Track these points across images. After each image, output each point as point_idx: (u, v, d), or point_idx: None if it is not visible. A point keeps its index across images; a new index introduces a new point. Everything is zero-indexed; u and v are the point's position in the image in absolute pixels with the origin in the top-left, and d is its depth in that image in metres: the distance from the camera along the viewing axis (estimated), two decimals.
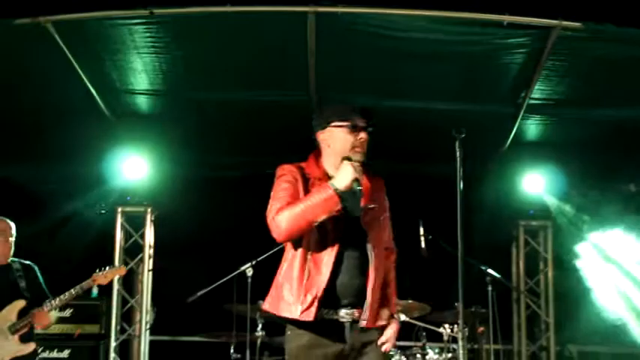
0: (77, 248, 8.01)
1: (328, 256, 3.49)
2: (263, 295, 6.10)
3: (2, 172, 7.99)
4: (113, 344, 8.05)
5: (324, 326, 3.48)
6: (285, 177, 3.61)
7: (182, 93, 7.27)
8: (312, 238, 3.51)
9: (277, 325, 6.51)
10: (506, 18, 5.88)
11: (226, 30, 6.25)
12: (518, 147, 7.88)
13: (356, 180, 3.45)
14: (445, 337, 6.02)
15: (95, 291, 7.72)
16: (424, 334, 6.24)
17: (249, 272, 6.15)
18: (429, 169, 7.64)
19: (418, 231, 6.22)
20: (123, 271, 6.29)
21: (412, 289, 6.58)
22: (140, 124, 7.69)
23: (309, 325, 3.47)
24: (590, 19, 5.83)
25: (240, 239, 7.61)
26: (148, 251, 8.40)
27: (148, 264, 8.38)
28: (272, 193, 3.61)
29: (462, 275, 3.36)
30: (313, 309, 3.43)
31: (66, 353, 7.41)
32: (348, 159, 3.53)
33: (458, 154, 3.54)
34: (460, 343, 3.46)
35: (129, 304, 8.30)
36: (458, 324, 6.14)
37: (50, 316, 5.68)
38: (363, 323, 3.52)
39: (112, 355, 8.03)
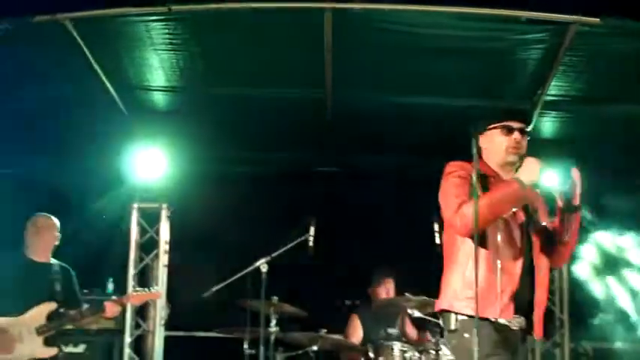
0: (94, 243, 8.05)
1: (516, 261, 3.63)
2: (277, 291, 6.24)
3: (21, 166, 8.02)
4: (128, 340, 8.08)
5: (507, 328, 3.60)
6: (457, 172, 3.75)
7: (199, 89, 7.28)
8: (498, 236, 3.62)
9: (291, 320, 6.62)
10: (525, 14, 5.87)
11: (243, 27, 6.24)
12: (534, 144, 7.81)
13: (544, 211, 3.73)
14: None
15: (110, 287, 7.79)
16: (438, 330, 6.24)
17: (264, 268, 6.15)
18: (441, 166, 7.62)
19: (433, 227, 6.23)
20: (158, 295, 6.48)
21: (426, 286, 6.61)
22: (156, 121, 7.71)
23: (498, 327, 3.57)
24: (608, 15, 5.81)
25: (255, 235, 7.63)
26: (163, 247, 8.43)
27: (163, 260, 8.41)
28: (445, 189, 3.75)
29: (476, 271, 3.40)
30: (511, 309, 3.57)
31: (81, 348, 7.45)
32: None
33: (474, 150, 3.57)
34: (474, 339, 3.43)
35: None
36: None
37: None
38: (535, 335, 3.69)
39: (127, 350, 8.06)
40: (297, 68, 6.78)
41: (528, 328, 3.69)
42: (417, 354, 6.07)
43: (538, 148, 7.70)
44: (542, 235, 3.78)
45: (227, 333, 7.02)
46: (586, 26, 5.86)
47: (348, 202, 8.32)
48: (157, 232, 8.44)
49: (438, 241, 6.23)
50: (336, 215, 8.04)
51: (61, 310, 5.78)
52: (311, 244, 6.38)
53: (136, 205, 8.44)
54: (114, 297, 6.04)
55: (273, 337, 6.32)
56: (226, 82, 7.11)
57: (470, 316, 3.57)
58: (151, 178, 8.15)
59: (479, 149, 3.84)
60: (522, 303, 3.63)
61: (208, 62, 6.78)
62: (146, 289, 6.22)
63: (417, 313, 6.32)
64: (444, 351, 5.97)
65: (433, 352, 6.02)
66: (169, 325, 8.37)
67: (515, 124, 3.80)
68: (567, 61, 6.39)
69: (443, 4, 5.85)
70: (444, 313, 3.76)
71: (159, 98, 7.45)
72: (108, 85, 7.00)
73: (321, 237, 6.45)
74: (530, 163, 3.65)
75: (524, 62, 6.52)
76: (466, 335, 3.58)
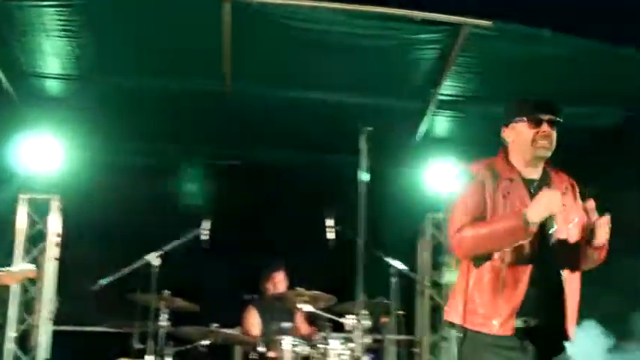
0: None
1: (524, 269, 3.42)
2: (168, 285, 6.16)
3: None
4: (12, 335, 7.83)
5: (511, 337, 3.44)
6: (475, 177, 3.53)
7: (94, 78, 7.10)
8: (504, 257, 3.44)
9: (182, 315, 6.55)
10: (419, 14, 5.97)
11: (141, 16, 6.16)
12: (426, 142, 8.01)
13: (550, 217, 3.34)
14: (348, 328, 6.05)
15: None
16: (328, 324, 6.28)
17: (156, 262, 6.07)
18: (338, 161, 7.70)
19: (324, 222, 6.27)
20: (33, 273, 5.88)
21: (318, 280, 6.65)
22: (49, 109, 7.49)
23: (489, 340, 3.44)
24: (501, 19, 5.98)
25: (148, 228, 7.51)
26: (53, 239, 8.19)
27: (53, 252, 8.17)
28: (460, 197, 3.53)
29: (362, 265, 3.38)
30: (510, 323, 3.40)
31: None
32: (547, 185, 3.50)
33: (362, 147, 3.49)
34: (357, 333, 3.46)
35: (30, 293, 8.08)
36: (361, 314, 6.22)
37: None
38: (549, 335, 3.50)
39: (10, 345, 7.81)
40: (196, 59, 6.70)
41: (557, 336, 3.55)
42: (307, 348, 6.09)
43: (430, 146, 8.06)
44: (566, 244, 3.55)
45: (116, 327, 6.88)
46: (478, 28, 6.02)
47: (245, 196, 8.29)
48: (47, 224, 8.19)
49: (330, 236, 6.29)
50: (232, 209, 8.01)
51: None
52: (205, 237, 6.32)
53: (24, 196, 8.16)
54: None
55: (163, 332, 6.22)
56: (123, 71, 6.98)
57: (469, 330, 3.51)
58: (42, 168, 7.91)
59: (503, 143, 3.68)
60: (542, 311, 3.48)
61: (104, 50, 6.64)
62: (19, 266, 5.86)
63: (307, 308, 6.33)
64: (333, 345, 6.03)
65: (322, 346, 6.05)
66: (58, 319, 8.14)
67: (544, 116, 3.52)
68: (461, 61, 6.55)
69: (338, 1, 5.89)
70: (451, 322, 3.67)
71: (52, 85, 7.25)
72: None
73: (217, 230, 6.40)
74: (543, 197, 3.34)
75: (419, 62, 6.65)
76: (466, 348, 3.52)
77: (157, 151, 8.03)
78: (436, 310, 8.82)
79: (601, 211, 3.48)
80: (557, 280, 3.51)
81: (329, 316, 6.26)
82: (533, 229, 3.30)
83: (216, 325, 6.37)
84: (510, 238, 3.33)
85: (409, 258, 8.72)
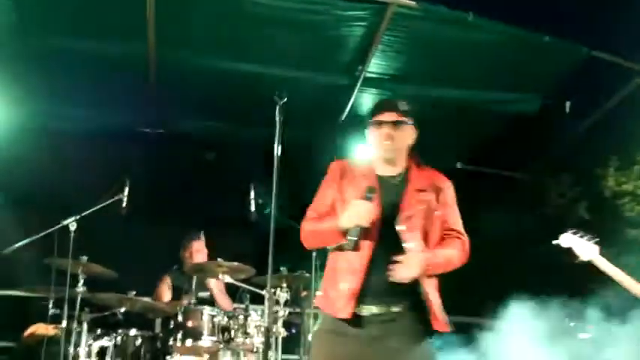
0: None
1: (365, 253, 3.54)
2: (85, 251, 6.10)
3: None
4: None
5: (353, 319, 3.55)
6: (330, 175, 3.80)
7: (14, 40, 6.87)
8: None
9: (99, 281, 6.50)
10: None
11: None
12: (355, 118, 8.07)
13: (358, 225, 3.48)
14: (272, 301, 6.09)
15: None
16: (248, 296, 6.32)
17: (73, 227, 6.00)
18: (262, 135, 7.69)
19: (248, 195, 6.28)
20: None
21: (238, 252, 6.66)
22: None
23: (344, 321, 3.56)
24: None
25: (68, 193, 7.40)
26: None
27: None
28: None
29: (273, 238, 3.46)
30: (349, 307, 3.51)
31: None
32: (370, 191, 3.54)
33: (277, 119, 3.55)
34: (266, 303, 3.53)
35: None
36: (282, 287, 6.29)
37: None
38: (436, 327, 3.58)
39: None
40: (118, 22, 6.56)
41: (420, 322, 3.60)
42: (226, 319, 6.11)
43: (358, 123, 8.12)
44: (416, 223, 3.66)
45: (32, 292, 6.80)
46: (403, 8, 6.09)
47: (167, 165, 8.24)
48: None
49: (253, 208, 6.31)
50: (154, 177, 7.95)
51: None
52: (124, 204, 6.28)
53: None
54: None
55: (79, 297, 6.17)
56: (43, 33, 6.77)
57: (321, 313, 3.75)
58: None
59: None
60: (392, 293, 3.56)
61: (23, 11, 6.46)
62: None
63: (227, 279, 6.35)
64: (254, 317, 6.07)
65: (242, 317, 6.09)
66: None
67: (384, 117, 3.70)
68: (387, 40, 6.62)
69: None
70: None
71: None
72: None
73: (137, 198, 6.36)
74: (354, 206, 3.53)
75: (347, 38, 6.68)
76: (315, 331, 3.80)
77: (80, 117, 7.87)
78: None
79: None
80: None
81: (248, 287, 6.29)
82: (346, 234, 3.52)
83: (133, 292, 6.34)
84: (332, 237, 3.58)
85: None
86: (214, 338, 5.99)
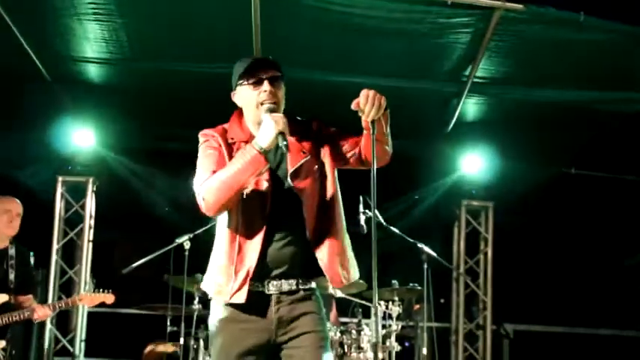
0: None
1: (257, 228, 3.22)
2: (200, 269, 6.17)
3: None
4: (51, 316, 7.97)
5: (253, 300, 3.23)
6: (208, 143, 3.34)
7: (127, 62, 7.13)
8: (239, 209, 3.24)
9: None
10: None
11: None
12: (461, 126, 7.96)
13: (281, 134, 3.13)
14: (380, 314, 6.03)
15: (32, 260, 7.62)
16: (360, 310, 6.27)
17: (187, 245, 6.10)
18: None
19: (358, 207, 6.24)
20: (111, 299, 6.17)
21: None
22: (84, 93, 7.59)
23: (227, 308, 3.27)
24: (532, 2, 5.90)
25: (179, 212, 7.56)
26: (89, 222, 8.29)
27: (89, 235, 8.28)
28: (197, 163, 3.33)
29: (375, 250, 3.19)
30: (245, 289, 3.21)
31: None
32: (283, 139, 3.16)
33: (371, 132, 3.26)
34: (373, 318, 3.39)
35: (67, 275, 8.20)
36: (393, 301, 6.22)
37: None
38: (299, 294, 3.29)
39: (49, 326, 7.95)
40: (227, 44, 6.68)
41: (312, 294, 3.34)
42: (339, 334, 6.05)
43: (465, 130, 8.01)
44: (310, 176, 3.33)
45: (150, 310, 6.96)
46: (510, 12, 5.95)
47: None
48: (83, 207, 8.30)
49: (362, 222, 6.24)
50: None
51: (12, 301, 5.68)
52: None
53: (61, 179, 8.27)
54: (62, 301, 6.00)
55: (195, 315, 6.28)
56: (156, 56, 7.01)
57: (213, 299, 3.35)
58: (76, 150, 8.06)
59: (238, 109, 3.42)
60: (286, 263, 3.27)
61: (137, 34, 6.66)
62: (101, 290, 6.11)
63: (339, 293, 6.30)
64: (367, 331, 6.01)
65: (355, 332, 6.03)
66: None
67: (263, 74, 3.28)
68: (493, 45, 6.48)
69: None
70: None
71: (86, 69, 7.30)
72: (31, 53, 6.83)
73: None
74: (266, 122, 3.17)
75: (452, 46, 6.58)
76: (210, 320, 3.36)
77: (189, 136, 8.00)
78: (471, 298, 8.75)
79: None
80: (301, 233, 3.28)
81: (361, 302, 6.25)
82: (266, 157, 3.13)
83: None
84: (252, 168, 3.12)
85: (446, 245, 8.73)
86: None
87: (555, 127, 7.74)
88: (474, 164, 8.42)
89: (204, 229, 6.15)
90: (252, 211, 3.26)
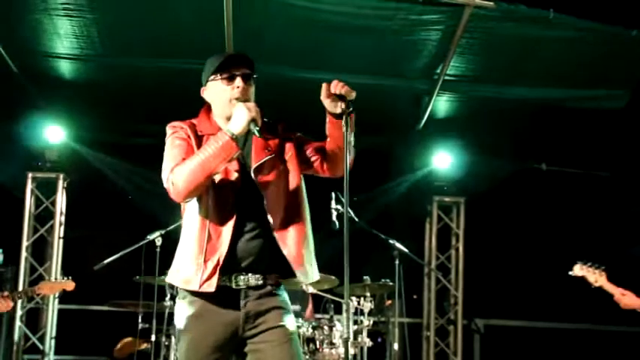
0: None
1: (227, 219, 3.24)
2: (171, 265, 6.16)
3: None
4: (19, 312, 7.90)
5: (220, 294, 3.24)
6: (177, 134, 3.34)
7: (98, 58, 7.09)
8: (209, 200, 3.27)
9: None
10: None
11: None
12: (432, 122, 8.00)
13: (253, 121, 3.17)
14: (352, 310, 6.04)
15: (0, 257, 7.56)
16: (332, 306, 6.28)
17: (159, 241, 6.08)
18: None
19: (329, 204, 6.25)
20: (71, 286, 6.05)
21: (321, 262, 6.63)
22: (54, 88, 7.54)
23: (206, 294, 3.24)
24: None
25: (150, 208, 7.52)
26: (59, 218, 8.22)
27: (59, 231, 8.21)
28: (165, 154, 3.33)
29: (347, 246, 3.24)
30: (215, 279, 3.21)
31: None
32: (255, 124, 3.18)
33: (344, 128, 3.28)
34: (344, 314, 3.39)
35: (37, 272, 8.12)
36: (365, 297, 6.24)
37: None
38: (266, 289, 3.30)
39: (18, 323, 7.88)
40: (198, 39, 6.66)
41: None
42: (310, 329, 6.08)
43: (436, 127, 8.05)
44: (273, 173, 3.37)
45: (120, 307, 6.93)
46: (481, 9, 5.99)
47: None
48: (54, 203, 8.22)
49: (334, 217, 6.26)
50: None
51: None
52: None
53: (31, 175, 8.19)
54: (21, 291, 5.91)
55: (167, 311, 6.25)
56: (125, 52, 6.98)
57: (180, 291, 3.33)
58: (47, 147, 8.01)
59: (206, 105, 3.44)
60: (252, 257, 3.29)
61: (106, 30, 6.63)
62: (60, 279, 6.03)
63: (311, 289, 6.31)
64: (338, 327, 6.03)
65: (327, 328, 6.06)
66: (63, 298, 8.18)
67: (236, 71, 3.32)
68: (464, 42, 6.54)
69: None
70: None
71: (56, 65, 7.26)
72: (1, 50, 6.78)
73: None
74: (239, 108, 3.21)
75: (423, 43, 6.64)
76: (177, 313, 3.35)
77: (159, 132, 7.98)
78: (443, 293, 8.81)
79: None
80: (268, 228, 3.31)
81: (333, 297, 6.25)
82: (237, 143, 3.15)
83: None
84: (220, 155, 3.14)
85: (418, 241, 8.77)
86: None
87: (526, 123, 7.81)
88: (445, 160, 8.48)
89: (175, 225, 6.15)
90: (221, 201, 3.28)
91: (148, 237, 6.09)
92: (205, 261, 3.23)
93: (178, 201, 3.27)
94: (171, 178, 3.20)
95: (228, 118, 3.27)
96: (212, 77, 3.35)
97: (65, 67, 7.29)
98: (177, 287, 3.39)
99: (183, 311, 3.33)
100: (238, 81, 3.31)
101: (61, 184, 8.22)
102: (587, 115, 7.57)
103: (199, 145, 3.29)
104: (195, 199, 3.29)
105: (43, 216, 8.25)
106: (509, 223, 8.78)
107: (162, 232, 6.10)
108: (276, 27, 6.46)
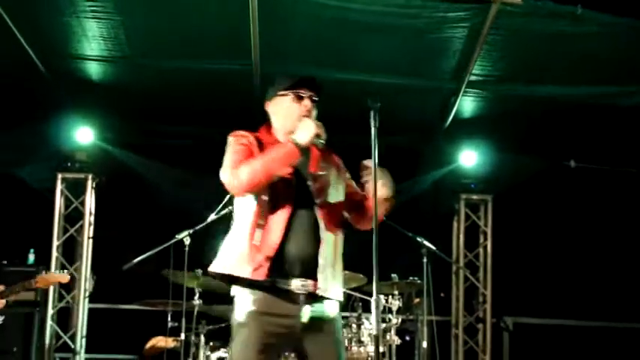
0: (17, 214, 7.94)
1: (280, 217, 3.46)
2: (200, 264, 6.20)
3: None
4: (50, 312, 8.00)
5: (275, 293, 3.44)
6: (240, 140, 3.59)
7: (126, 60, 7.15)
8: (263, 199, 3.48)
9: (215, 294, 6.60)
10: None
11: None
12: (460, 120, 7.97)
13: (317, 136, 3.44)
14: (380, 307, 6.02)
15: (32, 258, 7.66)
16: (360, 304, 6.28)
17: (187, 241, 6.11)
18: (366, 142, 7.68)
19: None
20: (66, 279, 6.45)
21: (348, 261, 6.63)
22: (83, 90, 7.61)
23: (261, 288, 3.43)
24: None
25: (179, 208, 7.57)
26: (89, 218, 8.32)
27: (88, 231, 8.30)
28: (226, 156, 3.56)
29: (376, 244, 3.31)
30: (265, 268, 3.39)
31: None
32: (319, 137, 3.47)
33: (372, 124, 3.42)
34: (374, 312, 3.43)
35: (68, 272, 8.18)
36: (393, 295, 6.24)
37: None
38: (319, 292, 3.47)
39: (50, 322, 7.98)
40: (225, 40, 6.71)
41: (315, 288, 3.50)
42: None
43: (463, 125, 8.02)
44: (326, 189, 3.63)
45: (150, 306, 6.97)
46: (507, 5, 5.95)
47: None
48: (83, 203, 8.32)
49: None
50: None
51: None
52: None
53: (60, 176, 8.29)
54: (19, 284, 6.18)
55: (196, 310, 6.29)
56: (154, 54, 7.03)
57: (232, 279, 3.49)
58: (76, 147, 8.10)
59: (268, 117, 3.71)
60: (302, 260, 3.48)
61: (134, 32, 6.69)
62: (55, 271, 6.21)
63: None
64: (367, 325, 6.03)
65: (355, 326, 6.05)
66: (93, 297, 8.28)
67: (305, 92, 3.62)
68: (491, 40, 6.47)
69: None
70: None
71: (86, 67, 7.32)
72: (29, 51, 6.86)
73: None
74: (306, 121, 3.49)
75: (450, 41, 6.58)
76: (237, 308, 3.51)
77: (188, 132, 8.06)
78: (471, 291, 8.78)
79: None
80: (315, 229, 3.52)
81: (361, 296, 6.26)
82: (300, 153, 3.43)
83: None
84: (283, 160, 3.43)
85: (446, 239, 8.75)
86: None
87: (554, 120, 7.74)
88: (472, 158, 8.46)
89: (203, 225, 6.18)
90: (275, 204, 3.49)
91: (177, 236, 6.13)
92: (256, 251, 3.41)
93: (237, 194, 3.52)
94: (235, 172, 3.45)
95: (289, 132, 3.53)
96: (282, 93, 3.63)
97: (93, 69, 7.36)
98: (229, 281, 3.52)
99: (243, 307, 3.47)
100: (307, 101, 3.60)
101: (90, 184, 8.33)
102: (616, 112, 7.50)
103: (261, 152, 3.53)
104: (252, 197, 3.50)
105: (73, 216, 8.36)
106: (537, 221, 8.72)
107: (191, 231, 6.11)
108: (303, 27, 6.46)
